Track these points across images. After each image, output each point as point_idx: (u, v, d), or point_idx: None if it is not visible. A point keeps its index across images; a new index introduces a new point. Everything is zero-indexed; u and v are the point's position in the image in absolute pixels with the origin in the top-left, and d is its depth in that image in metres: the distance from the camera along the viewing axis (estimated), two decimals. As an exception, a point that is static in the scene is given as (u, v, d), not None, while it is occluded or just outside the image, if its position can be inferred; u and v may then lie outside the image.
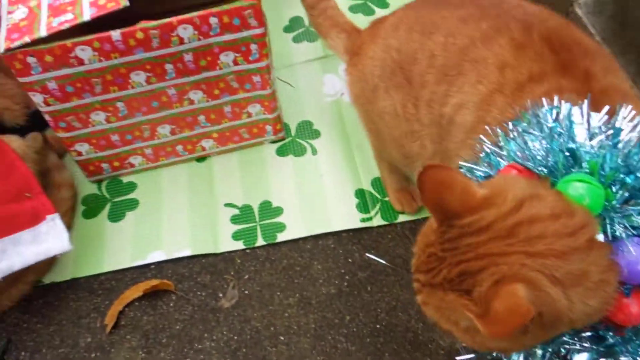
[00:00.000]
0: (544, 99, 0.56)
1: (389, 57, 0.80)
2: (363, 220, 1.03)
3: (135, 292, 0.95)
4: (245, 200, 1.07)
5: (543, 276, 0.45)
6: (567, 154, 0.51)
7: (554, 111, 0.54)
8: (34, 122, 1.00)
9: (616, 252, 0.48)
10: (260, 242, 1.01)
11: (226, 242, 1.02)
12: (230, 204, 1.07)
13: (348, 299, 0.95)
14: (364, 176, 1.09)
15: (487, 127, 0.61)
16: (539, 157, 0.52)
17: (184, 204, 1.07)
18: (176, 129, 1.04)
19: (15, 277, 0.87)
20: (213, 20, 0.87)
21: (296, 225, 1.03)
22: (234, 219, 1.05)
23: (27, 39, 0.81)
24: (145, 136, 1.03)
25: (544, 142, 0.53)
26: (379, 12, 1.38)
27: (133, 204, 1.08)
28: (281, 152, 1.14)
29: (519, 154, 0.54)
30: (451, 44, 0.72)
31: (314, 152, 1.13)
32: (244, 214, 1.05)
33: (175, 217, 1.05)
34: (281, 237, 1.02)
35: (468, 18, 0.71)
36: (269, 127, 1.10)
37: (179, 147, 1.09)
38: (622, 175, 0.48)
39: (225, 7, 0.86)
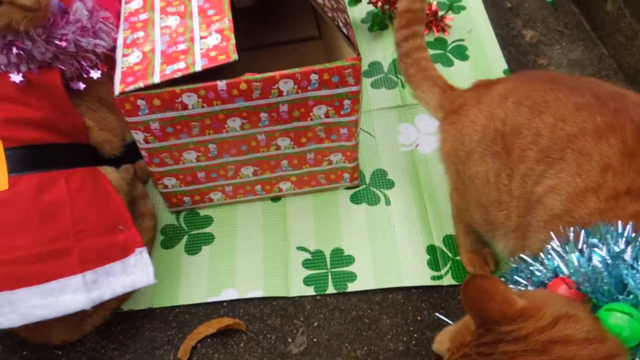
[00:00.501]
0: (620, 223, 0.56)
1: (492, 125, 0.81)
2: (434, 278, 1.04)
3: (208, 328, 0.98)
4: (318, 245, 1.09)
5: None
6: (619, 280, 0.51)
7: (627, 237, 0.54)
8: (128, 153, 1.04)
9: None
10: (330, 289, 1.03)
11: (297, 287, 1.04)
12: (302, 248, 1.09)
13: (416, 358, 0.95)
14: (435, 232, 1.10)
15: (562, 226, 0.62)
16: (592, 277, 0.53)
17: (257, 243, 1.10)
18: (259, 170, 1.07)
19: (101, 304, 0.91)
20: (313, 77, 0.90)
21: (367, 276, 1.05)
22: (306, 264, 1.07)
23: (140, 84, 0.85)
24: (229, 175, 1.07)
25: (606, 263, 0.53)
26: (458, 64, 1.39)
27: (209, 239, 1.11)
28: (355, 199, 1.15)
29: (578, 268, 0.55)
30: (560, 129, 0.72)
31: (387, 202, 1.14)
32: (315, 259, 1.07)
33: (248, 256, 1.08)
34: (352, 287, 1.04)
35: (583, 106, 0.71)
36: (346, 175, 1.12)
37: (258, 187, 1.12)
38: None
39: (327, 65, 0.89)
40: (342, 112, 0.97)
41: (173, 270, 1.06)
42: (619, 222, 0.57)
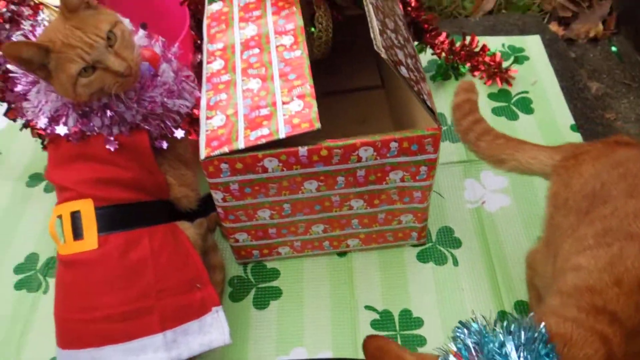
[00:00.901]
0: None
1: (592, 184, 0.79)
2: (505, 344, 1.01)
3: (279, 388, 0.98)
4: (385, 305, 1.08)
5: None
6: None
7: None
8: (202, 207, 1.06)
9: None
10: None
11: (365, 347, 1.03)
12: (370, 307, 1.08)
13: None
14: (506, 297, 1.08)
15: None
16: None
17: (325, 300, 1.10)
18: (329, 228, 1.08)
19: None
20: (393, 145, 0.90)
21: (437, 342, 1.02)
22: (374, 324, 1.06)
23: (226, 149, 0.87)
24: (299, 232, 1.07)
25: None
26: (523, 118, 1.38)
27: (277, 293, 1.11)
28: (422, 257, 1.15)
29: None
30: (630, 222, 0.71)
31: (455, 263, 1.13)
32: (384, 320, 1.07)
33: (316, 313, 1.08)
34: (422, 351, 1.02)
35: None
36: (414, 233, 1.12)
37: (326, 243, 1.12)
38: None
39: (408, 134, 0.89)
40: (417, 178, 0.97)
41: (242, 324, 1.07)
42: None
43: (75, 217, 0.88)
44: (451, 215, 1.21)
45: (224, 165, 0.90)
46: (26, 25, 1.10)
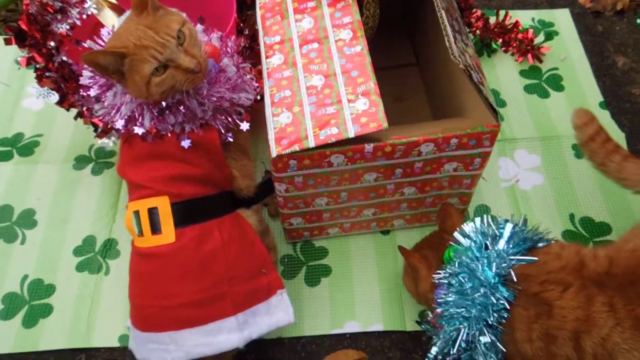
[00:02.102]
0: None
1: None
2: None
3: (337, 360, 1.07)
4: (430, 281, 1.16)
5: None
6: None
7: None
8: (258, 193, 1.10)
9: None
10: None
11: (412, 322, 1.12)
12: (414, 282, 1.16)
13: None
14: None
15: None
16: None
17: (372, 276, 1.17)
18: (378, 211, 1.14)
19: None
20: (453, 141, 0.95)
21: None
22: (419, 299, 1.14)
23: (296, 147, 0.91)
24: (351, 215, 1.13)
25: None
26: (554, 95, 1.42)
27: (327, 271, 1.19)
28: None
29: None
30: None
31: (494, 240, 1.20)
32: (428, 295, 1.14)
33: (366, 289, 1.16)
34: (466, 325, 1.11)
35: None
36: (456, 214, 1.18)
37: (373, 224, 1.18)
38: None
39: (468, 131, 0.94)
40: (470, 168, 1.03)
41: (296, 301, 1.14)
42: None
43: (152, 213, 0.92)
44: (487, 194, 1.28)
45: (292, 162, 0.94)
46: (74, 13, 1.10)
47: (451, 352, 0.86)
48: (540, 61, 1.47)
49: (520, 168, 1.31)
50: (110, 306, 1.14)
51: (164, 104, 0.90)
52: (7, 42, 1.08)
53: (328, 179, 1.00)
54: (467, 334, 0.83)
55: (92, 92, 0.94)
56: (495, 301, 0.82)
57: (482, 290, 0.83)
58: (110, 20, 1.12)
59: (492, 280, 0.82)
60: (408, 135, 0.94)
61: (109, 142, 1.17)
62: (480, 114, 0.96)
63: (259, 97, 1.04)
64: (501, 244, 0.86)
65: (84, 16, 1.11)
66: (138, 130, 0.90)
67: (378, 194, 1.07)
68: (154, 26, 0.86)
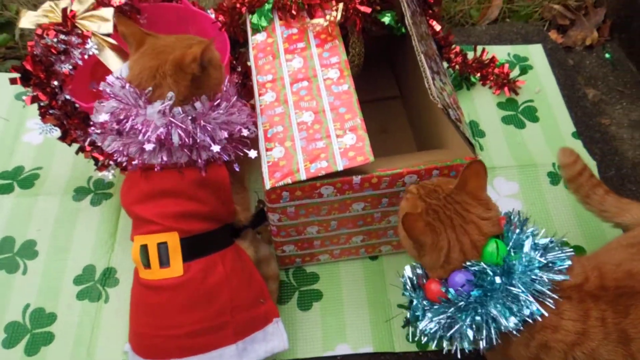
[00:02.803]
0: None
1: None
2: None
3: (329, 382, 1.11)
4: (416, 303, 1.22)
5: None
6: None
7: None
8: (253, 222, 1.16)
9: None
10: (432, 347, 1.16)
11: (401, 343, 1.17)
12: (402, 306, 1.22)
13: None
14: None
15: None
16: None
17: (362, 300, 1.23)
18: (366, 238, 1.20)
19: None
20: (435, 172, 1.02)
21: (464, 336, 1.17)
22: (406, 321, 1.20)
23: (289, 180, 0.97)
24: (341, 242, 1.20)
25: None
26: (530, 126, 1.51)
27: (318, 295, 1.24)
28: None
29: None
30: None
31: (476, 264, 1.27)
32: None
33: (355, 312, 1.21)
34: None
35: None
36: (440, 240, 1.25)
37: (362, 250, 1.25)
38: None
39: (448, 163, 1.01)
40: (451, 196, 1.10)
41: (289, 325, 1.19)
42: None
43: (161, 247, 0.97)
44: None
45: (284, 193, 1.00)
46: (76, 53, 1.16)
47: (440, 334, 0.89)
48: (516, 94, 1.56)
49: (499, 195, 1.39)
50: (110, 333, 1.18)
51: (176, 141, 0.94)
52: (13, 81, 1.14)
53: (318, 208, 1.07)
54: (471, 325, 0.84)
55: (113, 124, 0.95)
56: (521, 312, 0.82)
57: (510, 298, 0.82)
58: (111, 60, 1.19)
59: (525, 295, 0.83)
60: (393, 168, 1.01)
61: (108, 175, 1.23)
62: (460, 147, 1.04)
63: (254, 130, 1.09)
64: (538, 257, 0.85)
65: (86, 56, 1.17)
66: (156, 160, 0.95)
67: (366, 222, 1.14)
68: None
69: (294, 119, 1.05)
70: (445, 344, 0.90)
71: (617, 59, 1.70)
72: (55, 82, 1.15)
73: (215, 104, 0.97)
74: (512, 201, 1.37)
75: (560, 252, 0.86)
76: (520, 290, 0.82)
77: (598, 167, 1.41)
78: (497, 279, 0.82)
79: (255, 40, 1.18)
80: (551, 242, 0.87)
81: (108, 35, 1.18)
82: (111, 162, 1.21)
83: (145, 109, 0.92)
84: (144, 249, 0.97)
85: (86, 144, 1.18)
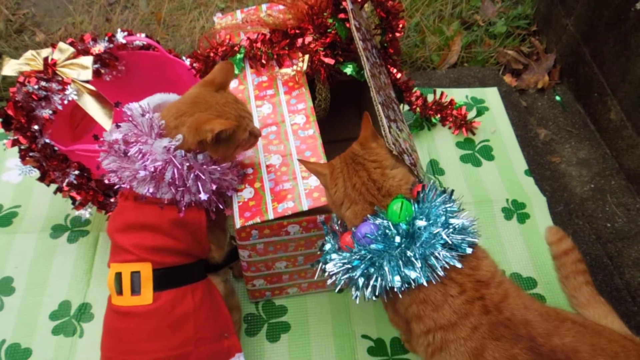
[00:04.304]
0: None
1: None
2: None
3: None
4: (379, 334, 1.29)
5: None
6: None
7: None
8: (226, 259, 1.22)
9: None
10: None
11: (365, 372, 1.24)
12: (366, 336, 1.29)
13: None
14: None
15: None
16: None
17: (328, 331, 1.29)
18: (332, 272, 1.27)
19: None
20: (393, 211, 1.10)
21: (424, 365, 1.25)
22: (370, 350, 1.27)
23: (258, 220, 1.05)
24: (308, 276, 1.27)
25: None
26: (486, 164, 1.61)
27: (286, 327, 1.30)
28: (408, 292, 1.36)
29: None
30: None
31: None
32: (378, 347, 1.27)
33: (322, 344, 1.27)
34: (412, 373, 1.24)
35: None
36: (402, 273, 1.33)
37: (329, 281, 1.31)
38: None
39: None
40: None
41: (258, 356, 1.25)
42: None
43: (134, 276, 1.03)
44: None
45: (254, 232, 1.08)
46: (56, 99, 1.23)
47: (340, 278, 0.96)
48: (474, 134, 1.68)
49: (458, 229, 1.47)
50: (84, 367, 1.22)
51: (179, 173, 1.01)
52: (-6, 126, 1.20)
53: (286, 245, 1.14)
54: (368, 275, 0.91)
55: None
56: (408, 275, 0.89)
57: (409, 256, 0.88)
58: (90, 105, 1.26)
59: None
60: (354, 207, 1.09)
61: (85, 213, 1.29)
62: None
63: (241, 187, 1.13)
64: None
65: (66, 101, 1.24)
66: (144, 190, 1.01)
67: (331, 257, 1.21)
68: (239, 100, 1.07)
69: (263, 162, 1.13)
70: (353, 290, 0.96)
71: (566, 101, 1.83)
72: (36, 127, 1.21)
73: (215, 159, 1.05)
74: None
75: (469, 237, 0.92)
76: (414, 256, 0.88)
77: (548, 203, 1.52)
78: (397, 239, 0.89)
79: (228, 87, 1.26)
80: (466, 226, 0.92)
81: (87, 81, 1.25)
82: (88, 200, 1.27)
83: (155, 140, 1.00)
84: (119, 276, 1.03)
85: (64, 184, 1.24)
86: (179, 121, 1.01)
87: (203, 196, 1.02)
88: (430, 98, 1.66)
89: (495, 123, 1.72)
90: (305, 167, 1.02)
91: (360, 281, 0.92)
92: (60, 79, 1.24)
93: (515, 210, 1.50)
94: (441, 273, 0.89)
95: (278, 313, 1.33)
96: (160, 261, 1.04)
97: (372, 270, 0.91)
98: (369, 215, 0.92)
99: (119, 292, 1.04)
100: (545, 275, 1.38)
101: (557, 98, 1.84)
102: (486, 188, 1.56)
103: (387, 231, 0.89)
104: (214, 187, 1.04)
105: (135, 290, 1.03)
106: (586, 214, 1.55)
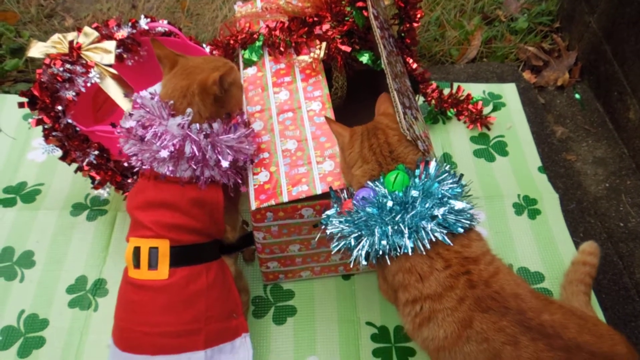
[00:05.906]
0: None
1: None
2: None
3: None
4: (383, 321, 1.31)
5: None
6: None
7: None
8: (239, 241, 1.25)
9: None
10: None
11: (367, 358, 1.25)
12: (370, 323, 1.31)
13: None
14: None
15: None
16: None
17: (333, 317, 1.31)
18: (345, 257, 1.29)
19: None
20: (404, 199, 1.12)
21: (423, 354, 1.26)
22: (373, 337, 1.29)
23: (273, 202, 1.07)
24: (321, 260, 1.29)
25: None
26: (499, 159, 1.62)
27: (293, 311, 1.32)
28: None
29: None
30: None
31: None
32: (381, 334, 1.29)
33: (326, 329, 1.29)
34: (414, 361, 1.25)
35: None
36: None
37: (341, 267, 1.34)
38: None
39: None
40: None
41: (264, 337, 1.27)
42: None
43: (152, 251, 1.06)
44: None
45: (269, 214, 1.10)
46: (80, 81, 1.27)
47: (340, 242, 0.98)
48: (489, 129, 1.68)
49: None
50: (97, 339, 1.26)
51: (189, 152, 1.04)
52: (21, 105, 1.24)
53: (300, 228, 1.16)
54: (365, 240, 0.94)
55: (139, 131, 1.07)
56: (395, 241, 0.91)
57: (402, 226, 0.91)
58: (112, 88, 1.29)
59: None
60: (366, 193, 1.11)
61: (104, 193, 1.32)
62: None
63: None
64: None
65: (89, 84, 1.28)
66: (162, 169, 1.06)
67: (342, 242, 1.23)
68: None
69: (279, 147, 1.15)
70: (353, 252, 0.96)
71: (585, 99, 1.83)
72: (59, 107, 1.25)
73: (228, 127, 1.08)
74: (479, 229, 1.46)
75: (465, 220, 0.93)
76: (404, 224, 0.91)
77: (560, 200, 1.52)
78: (390, 203, 0.92)
79: (247, 73, 1.29)
80: (465, 209, 0.94)
81: (110, 65, 1.29)
82: (107, 180, 1.31)
83: (168, 120, 1.04)
84: (137, 250, 1.07)
85: (84, 164, 1.27)
86: (189, 97, 1.06)
87: (225, 163, 1.06)
88: (446, 92, 1.66)
89: (511, 119, 1.72)
90: (328, 126, 1.06)
91: (352, 241, 0.95)
92: (84, 62, 1.27)
93: (527, 206, 1.51)
94: (427, 245, 0.91)
95: (285, 297, 1.35)
96: (177, 239, 1.07)
97: (363, 232, 0.94)
98: (368, 182, 0.96)
99: (137, 265, 1.07)
100: (554, 271, 1.39)
101: (577, 96, 1.84)
102: (498, 183, 1.56)
103: (383, 198, 0.93)
104: (230, 158, 1.07)
105: (152, 264, 1.06)
106: (599, 212, 1.55)
